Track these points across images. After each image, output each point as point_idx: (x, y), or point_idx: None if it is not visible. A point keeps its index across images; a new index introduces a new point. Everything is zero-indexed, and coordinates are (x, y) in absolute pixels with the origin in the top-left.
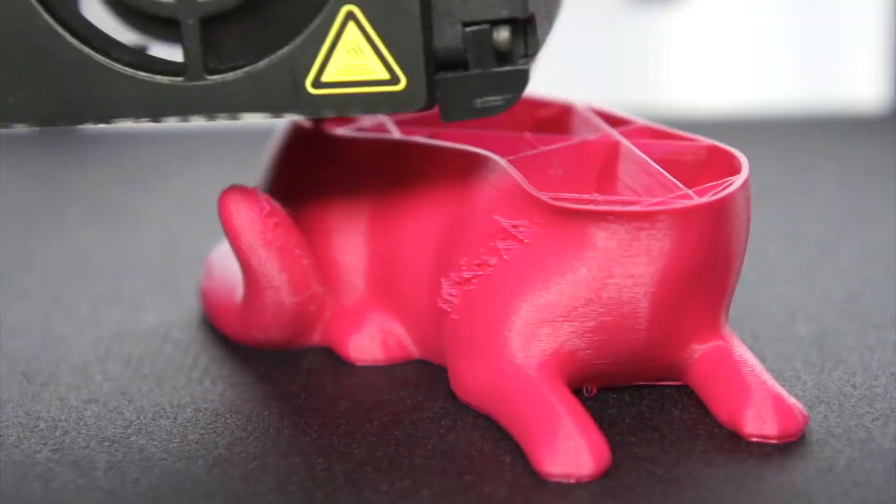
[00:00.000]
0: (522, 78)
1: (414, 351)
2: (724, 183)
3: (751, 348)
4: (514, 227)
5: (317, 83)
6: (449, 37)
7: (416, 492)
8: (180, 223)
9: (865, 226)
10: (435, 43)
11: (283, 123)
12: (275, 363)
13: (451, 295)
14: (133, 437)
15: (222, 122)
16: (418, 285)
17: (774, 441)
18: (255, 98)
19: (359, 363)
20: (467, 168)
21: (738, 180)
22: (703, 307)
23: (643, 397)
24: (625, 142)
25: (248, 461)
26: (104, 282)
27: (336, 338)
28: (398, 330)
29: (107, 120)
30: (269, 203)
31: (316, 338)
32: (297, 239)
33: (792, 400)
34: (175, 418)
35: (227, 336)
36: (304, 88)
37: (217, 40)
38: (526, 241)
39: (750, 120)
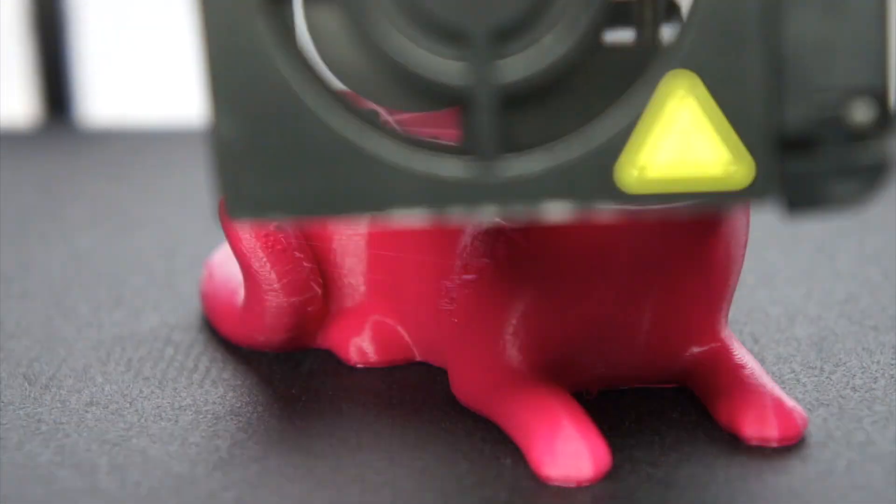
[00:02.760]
0: (881, 165)
1: (414, 353)
2: None
3: (750, 351)
4: (512, 228)
5: (638, 174)
6: (802, 110)
7: (417, 494)
8: (181, 225)
9: (865, 228)
10: (786, 119)
11: None
12: (275, 365)
13: (450, 298)
14: (134, 440)
15: None
16: (419, 288)
17: (774, 444)
18: (558, 188)
19: (359, 366)
20: None
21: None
22: (702, 310)
23: (643, 400)
24: None
25: (249, 464)
26: (105, 284)
27: (336, 340)
28: (398, 332)
29: (381, 211)
30: None
31: (316, 340)
32: (297, 241)
33: (791, 402)
34: (176, 421)
35: (228, 338)
36: (617, 180)
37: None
38: (524, 243)
39: None
